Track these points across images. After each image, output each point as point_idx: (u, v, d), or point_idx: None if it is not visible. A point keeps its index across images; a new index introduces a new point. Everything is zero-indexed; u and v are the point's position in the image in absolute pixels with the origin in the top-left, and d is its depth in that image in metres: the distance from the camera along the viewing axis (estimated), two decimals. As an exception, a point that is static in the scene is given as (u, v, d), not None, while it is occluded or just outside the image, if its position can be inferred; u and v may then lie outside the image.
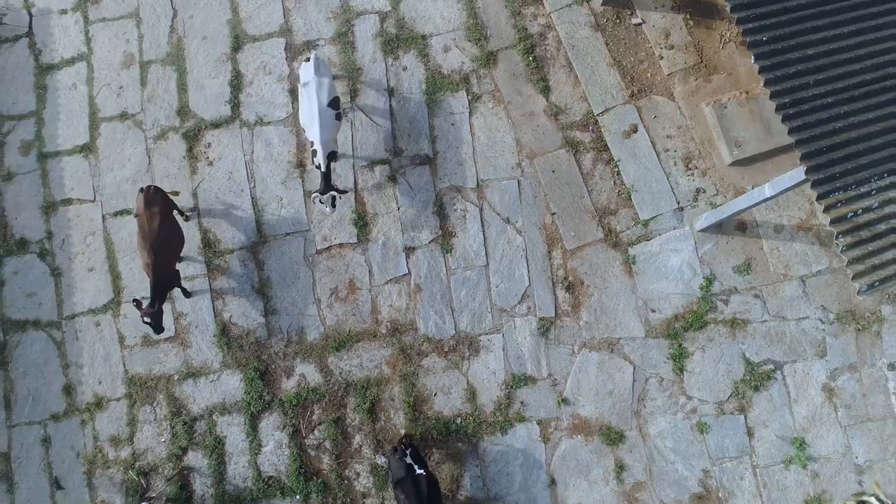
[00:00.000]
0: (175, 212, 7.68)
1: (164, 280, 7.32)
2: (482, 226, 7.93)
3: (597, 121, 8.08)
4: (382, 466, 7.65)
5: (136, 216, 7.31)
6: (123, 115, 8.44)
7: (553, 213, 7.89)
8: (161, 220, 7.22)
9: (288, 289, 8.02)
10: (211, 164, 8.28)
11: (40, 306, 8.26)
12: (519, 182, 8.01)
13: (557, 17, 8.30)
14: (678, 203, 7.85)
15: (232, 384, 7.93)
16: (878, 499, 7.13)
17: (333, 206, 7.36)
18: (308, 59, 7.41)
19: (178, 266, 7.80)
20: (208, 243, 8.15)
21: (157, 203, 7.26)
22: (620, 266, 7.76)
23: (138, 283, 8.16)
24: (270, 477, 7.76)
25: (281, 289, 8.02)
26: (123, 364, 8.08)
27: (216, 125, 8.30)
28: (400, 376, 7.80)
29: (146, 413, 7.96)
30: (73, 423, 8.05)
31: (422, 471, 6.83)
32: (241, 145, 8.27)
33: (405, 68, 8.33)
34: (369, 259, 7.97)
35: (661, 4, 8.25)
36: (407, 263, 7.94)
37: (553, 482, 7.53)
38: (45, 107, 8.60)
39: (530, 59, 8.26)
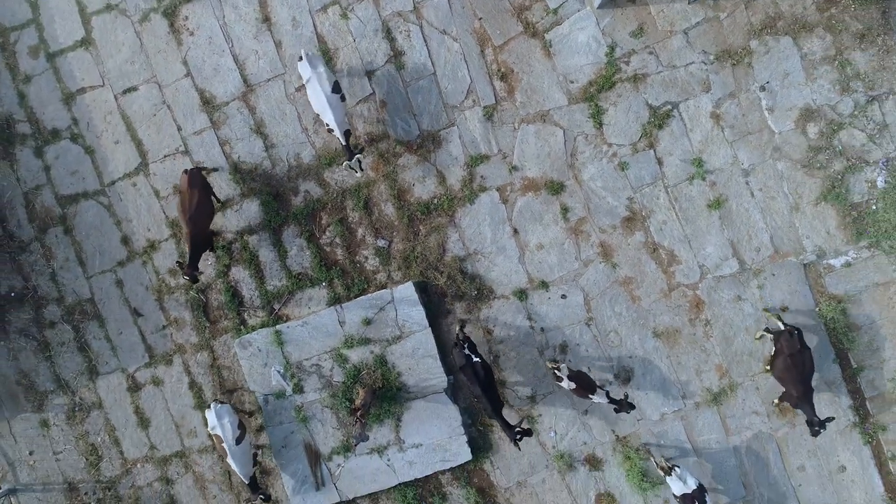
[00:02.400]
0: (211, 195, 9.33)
1: (200, 245, 9.12)
2: (425, 41, 9.59)
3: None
4: (383, 248, 9.77)
5: (180, 192, 9.06)
6: (109, 7, 9.93)
7: (480, 18, 9.53)
8: (199, 198, 8.95)
9: (279, 125, 9.81)
10: (192, 34, 9.84)
11: (84, 180, 10.15)
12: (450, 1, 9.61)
13: None
14: (580, -10, 9.45)
15: (253, 209, 9.91)
16: (774, 324, 9.06)
17: (361, 168, 9.03)
18: (301, 58, 8.83)
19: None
20: (206, 100, 9.88)
21: (198, 184, 8.98)
22: (540, 51, 9.48)
23: (158, 145, 9.97)
24: (299, 273, 9.92)
25: (273, 126, 9.82)
26: (163, 211, 10.06)
27: (189, 0, 9.79)
28: (383, 176, 9.75)
29: (191, 245, 10.01)
30: (136, 265, 10.16)
31: (477, 359, 8.86)
32: (213, 13, 9.79)
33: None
34: (340, 83, 9.70)
35: None
36: (371, 84, 9.68)
37: (515, 231, 9.66)
38: (39, 13, 10.08)
39: None
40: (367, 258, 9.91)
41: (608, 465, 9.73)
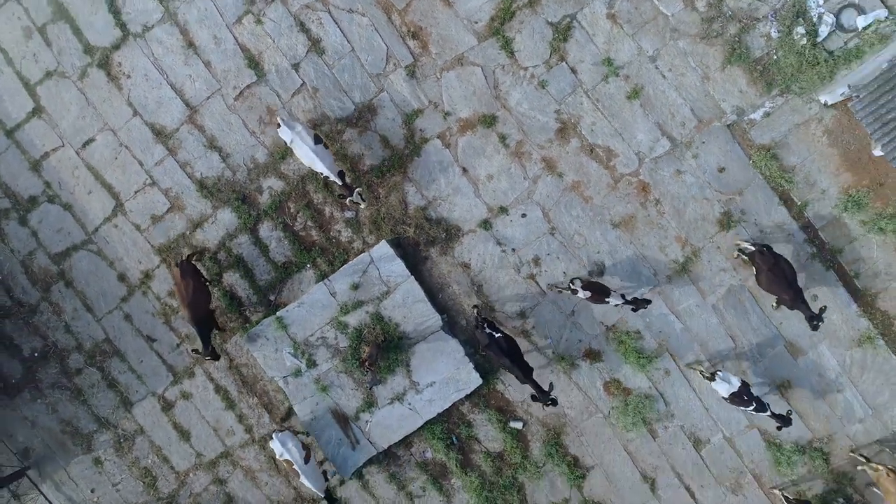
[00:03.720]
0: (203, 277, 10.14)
1: (206, 326, 9.97)
2: (336, 23, 10.39)
3: None
4: (352, 218, 10.58)
5: (175, 284, 9.93)
6: (48, 74, 10.74)
7: (378, -11, 10.36)
8: (193, 285, 9.81)
9: (229, 135, 10.63)
10: (129, 76, 10.66)
11: (70, 234, 10.98)
12: (346, -20, 10.40)
13: None
14: (463, -60, 10.24)
15: (226, 217, 10.74)
16: (746, 248, 9.78)
17: (363, 199, 9.80)
18: (279, 125, 9.68)
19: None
20: (157, 132, 10.69)
21: (189, 273, 9.85)
22: (440, 3, 10.27)
23: (126, 184, 10.78)
24: (284, 262, 10.74)
25: (224, 137, 10.64)
26: (148, 242, 10.89)
27: (117, 47, 10.59)
28: (334, 154, 10.55)
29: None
30: (137, 297, 11.00)
31: (499, 334, 9.66)
32: (143, 53, 10.59)
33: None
34: (272, 86, 10.51)
35: None
36: (299, 75, 10.49)
37: (464, 170, 10.47)
38: (-11, 96, 10.93)
39: None
40: (340, 232, 10.71)
41: (606, 354, 10.54)
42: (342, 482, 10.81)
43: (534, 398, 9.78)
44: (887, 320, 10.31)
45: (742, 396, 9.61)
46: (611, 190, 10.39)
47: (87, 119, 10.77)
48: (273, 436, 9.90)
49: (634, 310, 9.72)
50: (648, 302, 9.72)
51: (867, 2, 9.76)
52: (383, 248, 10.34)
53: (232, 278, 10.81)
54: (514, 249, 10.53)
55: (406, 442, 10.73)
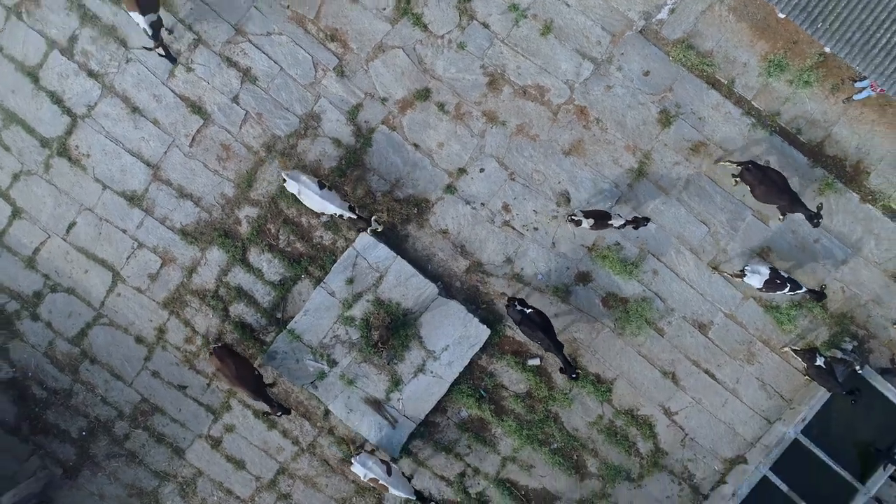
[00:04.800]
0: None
1: (261, 389, 10.58)
2: (259, 49, 11.02)
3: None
4: (329, 221, 11.20)
5: (217, 370, 10.60)
6: (16, 176, 11.41)
7: (287, 6, 10.94)
8: (234, 362, 10.46)
9: (194, 180, 11.28)
10: (88, 156, 11.31)
11: (80, 315, 11.66)
12: (256, 6, 11.00)
13: None
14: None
15: (216, 255, 11.38)
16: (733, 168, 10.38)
17: (380, 224, 10.50)
18: (284, 180, 10.38)
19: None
20: (130, 198, 11.33)
21: (225, 354, 10.51)
22: (346, 2, 10.89)
23: (117, 254, 11.44)
24: (280, 280, 11.38)
25: (190, 184, 11.28)
26: (152, 300, 11.54)
27: (69, 132, 11.25)
28: (293, 167, 11.17)
29: (191, 309, 11.48)
30: (158, 353, 11.66)
31: (530, 310, 10.31)
32: (94, 130, 11.24)
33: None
34: (219, 124, 11.15)
35: None
36: (240, 106, 11.12)
37: (416, 146, 11.11)
38: (-31, 214, 11.60)
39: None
40: (321, 236, 11.35)
41: (595, 272, 11.16)
42: (395, 461, 11.45)
43: (561, 370, 10.42)
44: (838, 162, 10.90)
45: (775, 281, 10.17)
46: (553, 123, 11.00)
47: (63, 206, 11.44)
48: (353, 461, 10.53)
49: (636, 228, 10.28)
50: (648, 220, 10.28)
51: None
52: (364, 239, 10.96)
53: (237, 309, 11.46)
54: (482, 204, 11.14)
55: (440, 408, 11.37)
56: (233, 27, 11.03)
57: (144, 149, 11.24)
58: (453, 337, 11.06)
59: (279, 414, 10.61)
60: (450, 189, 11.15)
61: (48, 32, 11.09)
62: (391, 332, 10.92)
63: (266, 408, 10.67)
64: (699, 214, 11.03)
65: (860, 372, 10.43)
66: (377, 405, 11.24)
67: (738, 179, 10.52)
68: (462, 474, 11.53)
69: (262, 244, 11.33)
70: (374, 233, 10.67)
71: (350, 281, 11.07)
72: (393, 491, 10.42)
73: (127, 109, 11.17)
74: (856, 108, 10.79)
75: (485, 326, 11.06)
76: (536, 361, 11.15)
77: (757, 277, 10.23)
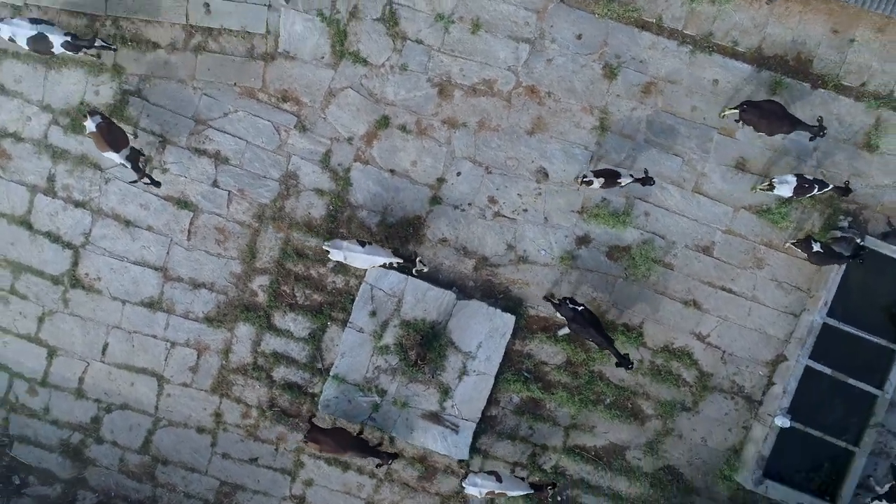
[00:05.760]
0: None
1: (367, 450, 11.00)
2: (221, 131, 11.56)
3: None
4: (335, 266, 11.74)
5: (321, 449, 11.02)
6: (40, 319, 11.97)
7: (234, 84, 11.50)
8: (330, 438, 10.87)
9: (203, 268, 11.84)
10: (99, 279, 11.90)
11: (139, 425, 12.24)
12: (206, 94, 11.53)
13: None
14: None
15: (244, 330, 11.95)
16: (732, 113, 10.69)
17: (425, 264, 10.92)
18: (328, 251, 10.80)
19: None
20: (150, 304, 11.91)
21: (318, 436, 10.85)
22: (286, 62, 11.44)
23: (154, 359, 12.02)
24: (309, 334, 11.93)
25: (200, 272, 11.85)
26: (200, 390, 12.11)
27: (75, 264, 11.85)
28: (287, 229, 11.71)
29: (238, 387, 12.02)
30: (221, 437, 12.23)
31: (581, 307, 10.85)
32: (97, 253, 11.83)
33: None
34: (207, 209, 11.70)
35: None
36: (221, 188, 11.67)
37: (392, 171, 11.65)
38: (7, 364, 12.15)
39: None
40: (333, 282, 11.90)
41: (591, 233, 11.68)
42: (467, 463, 12.00)
43: (617, 365, 10.89)
44: (780, 60, 11.37)
45: (804, 186, 10.67)
46: (509, 109, 11.52)
47: (91, 332, 12.02)
48: (465, 483, 10.89)
49: (643, 185, 10.77)
50: (654, 181, 10.77)
51: None
52: (373, 272, 11.52)
53: (280, 373, 12.02)
54: (469, 204, 11.67)
55: (492, 401, 11.89)
56: (191, 119, 11.60)
57: (148, 255, 11.83)
58: (483, 333, 11.61)
59: (390, 462, 11.16)
60: (435, 200, 11.68)
61: (26, 180, 11.70)
62: (425, 347, 11.47)
63: (377, 460, 11.17)
64: (669, 148, 11.54)
65: (862, 243, 10.92)
66: (435, 417, 11.80)
67: (741, 122, 10.97)
68: (532, 455, 12.07)
69: (283, 306, 11.90)
70: (421, 273, 11.12)
71: (373, 313, 11.62)
72: (512, 494, 10.93)
73: (120, 225, 11.75)
74: (780, 5, 11.27)
75: (509, 314, 11.59)
76: (566, 331, 11.68)
77: (787, 187, 10.71)
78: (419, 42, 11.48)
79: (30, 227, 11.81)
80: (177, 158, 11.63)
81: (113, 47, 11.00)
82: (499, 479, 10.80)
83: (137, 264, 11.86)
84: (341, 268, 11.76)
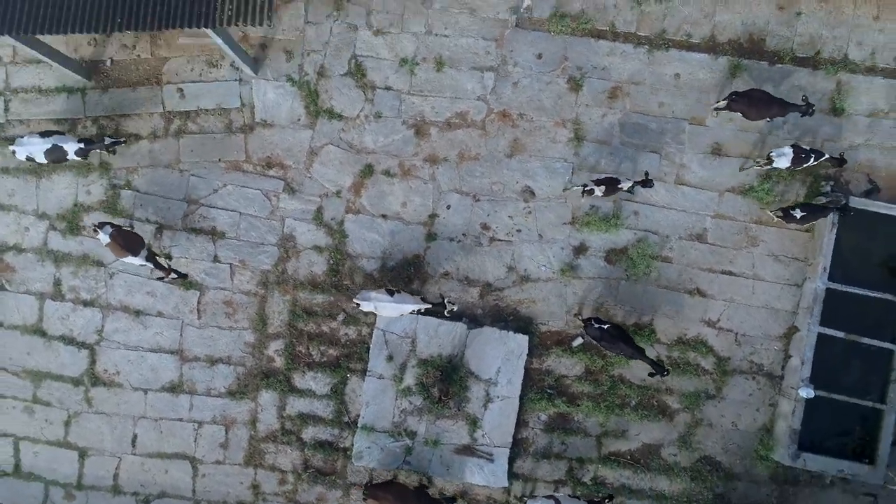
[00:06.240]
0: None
1: (424, 500, 10.96)
2: (213, 207, 11.91)
3: None
4: (345, 318, 11.93)
5: None
6: (66, 423, 12.11)
7: (219, 160, 11.86)
8: (389, 493, 10.78)
9: (217, 344, 12.05)
10: (118, 373, 12.07)
11: (180, 509, 12.30)
12: (193, 174, 11.89)
13: None
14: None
15: (267, 398, 12.07)
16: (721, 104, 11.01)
17: (453, 303, 11.11)
18: (358, 304, 11.01)
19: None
20: (172, 388, 12.06)
21: (378, 493, 10.80)
22: (265, 131, 11.84)
23: (184, 443, 12.11)
24: (331, 389, 12.06)
25: (215, 348, 12.05)
26: (234, 464, 12.17)
27: (93, 362, 12.06)
28: (293, 290, 11.95)
29: (270, 455, 12.09)
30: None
31: (607, 325, 11.03)
32: (111, 349, 12.02)
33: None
34: (212, 285, 11.96)
35: None
36: (223, 262, 11.93)
37: (384, 216, 11.92)
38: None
39: None
40: (346, 334, 12.08)
41: (586, 239, 11.90)
42: (508, 490, 12.04)
43: (651, 374, 11.08)
44: (734, 44, 11.77)
45: (800, 156, 10.89)
46: (485, 137, 11.87)
47: (119, 427, 12.14)
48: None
49: (644, 187, 11.06)
50: (652, 182, 11.05)
51: None
52: (382, 318, 11.67)
53: (309, 433, 12.10)
54: (464, 234, 11.94)
55: (521, 424, 11.95)
56: (183, 201, 11.93)
57: (162, 341, 12.03)
58: (500, 357, 11.75)
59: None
60: (430, 236, 11.94)
61: (33, 288, 11.99)
62: (446, 382, 11.60)
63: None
64: (645, 146, 11.85)
65: (849, 204, 11.16)
66: (468, 450, 11.86)
67: (724, 112, 11.33)
68: (570, 470, 12.09)
69: (301, 367, 12.04)
70: (452, 313, 11.25)
71: (390, 358, 11.78)
72: None
73: (131, 317, 11.99)
74: (724, -7, 11.76)
75: (521, 335, 11.75)
76: (579, 341, 11.82)
77: (785, 158, 10.93)
78: (388, 88, 11.89)
79: (43, 334, 12.05)
80: (175, 241, 11.91)
81: (122, 141, 11.53)
82: (557, 503, 10.79)
83: (153, 351, 12.07)
84: (351, 319, 11.96)
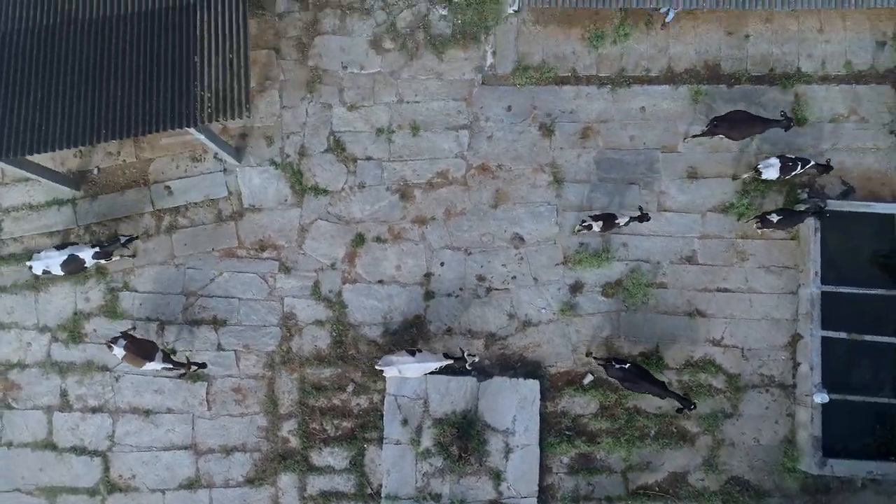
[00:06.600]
0: None
1: None
2: (211, 297, 12.03)
3: None
4: (356, 389, 11.94)
5: None
6: None
7: (212, 249, 12.07)
8: None
9: (230, 433, 11.95)
10: (133, 476, 11.90)
11: None
12: (189, 267, 12.08)
13: None
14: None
15: (287, 480, 11.89)
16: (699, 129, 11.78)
17: (475, 356, 11.18)
18: (382, 371, 11.04)
19: None
20: (190, 485, 11.89)
21: None
22: (253, 214, 12.10)
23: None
24: (350, 462, 11.94)
25: (229, 438, 11.95)
26: (260, 553, 11.95)
27: (107, 469, 11.90)
28: (299, 367, 11.98)
29: (296, 541, 11.94)
30: (294, 593, 11.96)
31: (628, 364, 11.09)
32: (125, 454, 11.91)
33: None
34: (219, 374, 12.00)
35: None
36: (227, 350, 12.00)
37: (380, 282, 12.10)
38: (67, 593, 11.95)
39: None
40: (358, 403, 12.06)
41: (581, 277, 12.08)
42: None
43: (679, 410, 11.20)
44: (692, 72, 12.31)
45: (787, 165, 11.26)
46: (468, 191, 12.20)
47: (142, 530, 11.98)
48: None
49: (640, 222, 11.35)
50: (648, 217, 11.34)
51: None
52: (391, 382, 11.74)
53: (337, 482, 11.92)
54: (461, 288, 12.11)
55: (544, 470, 11.84)
56: (181, 295, 12.08)
57: (174, 438, 11.95)
58: (514, 406, 11.74)
59: None
60: (429, 295, 12.09)
61: (40, 403, 11.96)
62: (464, 438, 11.54)
63: None
64: (622, 179, 12.20)
65: (826, 209, 11.47)
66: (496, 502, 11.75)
67: (704, 137, 11.81)
68: (601, 509, 12.00)
69: (317, 444, 11.96)
70: (474, 365, 11.35)
71: (404, 422, 11.74)
72: None
73: (141, 417, 11.93)
74: (674, 26, 12.32)
75: (532, 380, 11.79)
76: (590, 378, 11.88)
77: (773, 169, 11.29)
78: (369, 158, 12.26)
79: (54, 447, 11.94)
80: (178, 335, 11.98)
81: (136, 235, 11.82)
82: None
83: (166, 449, 11.95)
84: (361, 388, 11.97)
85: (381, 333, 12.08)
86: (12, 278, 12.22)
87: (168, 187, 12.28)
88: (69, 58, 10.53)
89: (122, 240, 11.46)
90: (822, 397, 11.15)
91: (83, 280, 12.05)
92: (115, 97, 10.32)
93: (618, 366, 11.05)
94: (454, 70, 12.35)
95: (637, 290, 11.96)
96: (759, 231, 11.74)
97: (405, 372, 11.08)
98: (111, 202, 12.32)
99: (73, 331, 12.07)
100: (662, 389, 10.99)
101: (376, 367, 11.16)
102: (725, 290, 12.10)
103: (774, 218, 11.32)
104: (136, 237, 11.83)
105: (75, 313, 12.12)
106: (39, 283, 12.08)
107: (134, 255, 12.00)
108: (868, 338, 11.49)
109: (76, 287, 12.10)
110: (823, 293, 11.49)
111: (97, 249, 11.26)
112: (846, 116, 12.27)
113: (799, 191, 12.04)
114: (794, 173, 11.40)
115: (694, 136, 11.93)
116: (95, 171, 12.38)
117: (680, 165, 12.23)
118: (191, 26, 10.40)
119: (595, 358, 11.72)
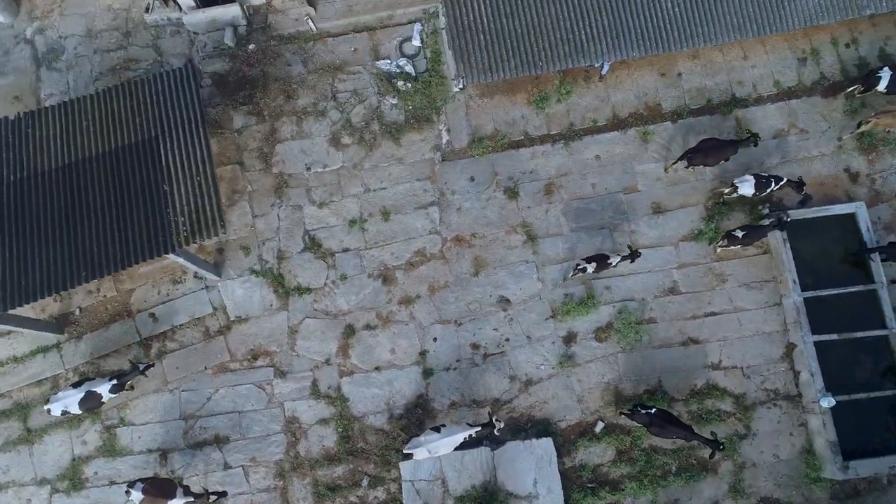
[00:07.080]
0: None
1: None
2: (211, 416, 11.85)
3: None
4: (372, 478, 11.72)
5: None
6: None
7: (205, 367, 11.98)
8: None
9: (238, 440, 11.59)
10: None
11: None
12: (183, 390, 11.94)
13: None
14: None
15: (316, 591, 11.52)
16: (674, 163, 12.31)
17: (501, 421, 10.96)
18: (411, 453, 10.73)
19: None
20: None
21: None
22: (241, 325, 12.13)
23: None
24: (378, 558, 11.63)
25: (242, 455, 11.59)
26: None
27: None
28: (310, 469, 11.75)
29: None
30: None
31: (654, 410, 11.02)
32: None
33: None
34: (232, 495, 11.66)
35: None
36: (233, 467, 11.75)
37: (377, 368, 12.09)
38: None
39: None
40: (375, 497, 11.76)
41: (572, 327, 12.26)
42: None
43: (711, 456, 11.15)
44: (636, 116, 12.98)
45: (761, 181, 11.80)
46: (447, 264, 12.46)
47: None
48: None
49: (631, 261, 11.70)
50: (639, 254, 11.71)
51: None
52: (406, 465, 11.58)
53: None
54: (458, 360, 12.17)
55: (570, 518, 11.75)
56: (180, 419, 11.90)
57: (194, 568, 11.50)
58: (532, 468, 11.61)
59: None
60: (427, 373, 12.10)
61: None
62: (489, 510, 11.36)
63: None
64: (592, 226, 12.60)
65: (788, 221, 11.94)
66: (530, 569, 11.44)
67: (679, 171, 12.48)
68: (638, 559, 11.73)
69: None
70: (501, 430, 11.22)
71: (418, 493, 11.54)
72: None
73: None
74: (609, 77, 13.06)
75: (545, 438, 11.72)
76: (601, 426, 11.86)
77: (748, 184, 11.85)
78: (346, 250, 12.50)
79: None
80: (182, 461, 11.72)
81: (151, 363, 11.63)
82: None
83: (187, 581, 11.49)
84: (377, 480, 11.74)
85: (386, 420, 11.96)
86: (3, 435, 11.95)
87: (153, 314, 12.30)
88: (42, 207, 10.76)
89: (141, 367, 11.31)
90: (828, 401, 11.27)
91: (77, 424, 11.82)
92: (92, 237, 10.50)
93: (643, 410, 11.10)
94: (413, 152, 12.84)
95: (628, 329, 12.14)
96: (719, 249, 12.19)
97: (434, 451, 10.92)
98: (97, 339, 12.25)
99: (73, 478, 11.73)
100: (689, 433, 11.01)
101: (405, 451, 11.02)
102: (713, 314, 12.35)
103: (739, 234, 11.75)
104: (152, 364, 11.64)
105: (73, 459, 11.81)
106: (32, 435, 11.83)
107: (132, 388, 11.86)
108: (859, 334, 11.75)
109: (71, 432, 11.85)
110: (806, 300, 11.80)
111: (114, 382, 11.11)
112: (787, 131, 12.97)
113: (760, 206, 12.54)
114: (768, 190, 11.94)
115: (673, 164, 12.50)
116: (77, 312, 12.37)
117: (644, 203, 12.69)
118: (156, 157, 10.74)
119: (622, 413, 11.70)
